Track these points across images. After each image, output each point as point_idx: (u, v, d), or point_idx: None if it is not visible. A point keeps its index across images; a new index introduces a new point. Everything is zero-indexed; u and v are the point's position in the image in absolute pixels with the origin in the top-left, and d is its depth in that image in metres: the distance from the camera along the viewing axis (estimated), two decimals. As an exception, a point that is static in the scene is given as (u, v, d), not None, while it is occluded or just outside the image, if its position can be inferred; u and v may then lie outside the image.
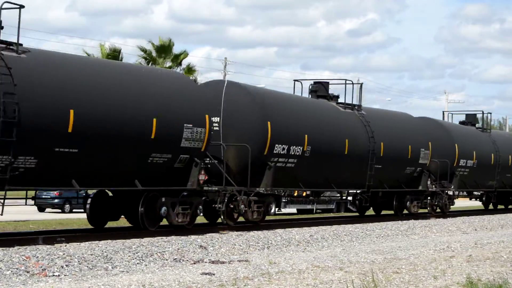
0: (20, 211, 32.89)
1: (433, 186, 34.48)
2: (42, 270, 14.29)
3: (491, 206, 44.23)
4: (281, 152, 24.53)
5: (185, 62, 51.71)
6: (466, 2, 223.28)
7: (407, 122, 33.35)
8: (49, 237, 18.80)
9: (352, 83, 29.84)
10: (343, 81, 29.79)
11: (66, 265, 14.89)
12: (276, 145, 24.23)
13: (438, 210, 35.50)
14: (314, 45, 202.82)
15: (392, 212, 33.37)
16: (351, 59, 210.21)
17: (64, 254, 15.95)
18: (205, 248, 18.76)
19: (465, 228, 29.23)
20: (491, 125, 50.10)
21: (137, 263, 15.96)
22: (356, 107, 29.92)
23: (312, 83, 29.81)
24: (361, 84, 31.00)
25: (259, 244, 20.36)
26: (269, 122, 23.90)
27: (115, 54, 48.04)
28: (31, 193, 20.82)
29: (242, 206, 23.47)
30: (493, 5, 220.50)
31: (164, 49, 50.70)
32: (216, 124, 23.59)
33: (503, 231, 28.67)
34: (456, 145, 35.91)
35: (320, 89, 29.47)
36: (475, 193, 43.15)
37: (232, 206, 23.67)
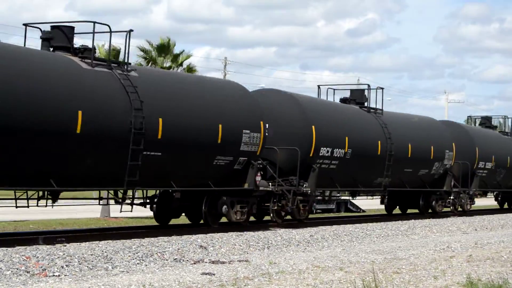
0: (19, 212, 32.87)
1: (270, 183, 24.55)
2: (42, 270, 14.29)
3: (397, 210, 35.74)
4: None
5: (185, 62, 51.73)
6: (465, 1, 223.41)
7: (224, 93, 23.35)
8: (49, 237, 18.80)
9: (110, 31, 20.16)
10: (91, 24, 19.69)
11: (66, 265, 14.89)
12: None
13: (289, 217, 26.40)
14: (313, 45, 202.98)
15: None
16: (350, 59, 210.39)
17: (64, 254, 15.95)
18: (205, 248, 18.76)
19: (465, 228, 29.23)
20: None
21: (137, 263, 15.96)
22: (119, 66, 20.24)
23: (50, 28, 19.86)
24: (129, 31, 20.52)
25: (259, 244, 20.36)
26: None
27: (113, 53, 48.11)
28: None
29: None
30: (493, 5, 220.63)
31: (163, 49, 50.70)
32: None
33: (503, 231, 28.67)
34: (313, 127, 25.71)
35: (58, 36, 19.62)
36: (377, 194, 33.29)
37: None
